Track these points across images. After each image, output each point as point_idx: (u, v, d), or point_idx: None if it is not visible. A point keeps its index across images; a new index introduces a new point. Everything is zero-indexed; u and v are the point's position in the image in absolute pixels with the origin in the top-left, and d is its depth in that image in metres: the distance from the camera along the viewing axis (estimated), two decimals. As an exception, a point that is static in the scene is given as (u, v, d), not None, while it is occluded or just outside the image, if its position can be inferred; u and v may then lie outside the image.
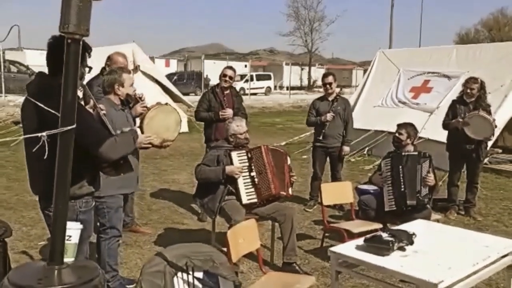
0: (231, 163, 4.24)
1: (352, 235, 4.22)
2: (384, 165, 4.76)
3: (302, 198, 6.68)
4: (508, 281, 3.16)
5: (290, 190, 4.43)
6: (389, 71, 11.21)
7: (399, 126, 4.93)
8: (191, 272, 2.50)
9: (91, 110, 3.25)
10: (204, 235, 5.05)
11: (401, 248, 2.88)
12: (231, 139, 4.40)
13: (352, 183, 5.50)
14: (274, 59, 75.26)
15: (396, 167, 4.65)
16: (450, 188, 6.12)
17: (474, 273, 2.74)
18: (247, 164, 4.29)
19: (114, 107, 3.61)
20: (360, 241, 2.96)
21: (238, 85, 31.27)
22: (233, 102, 5.68)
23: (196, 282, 2.50)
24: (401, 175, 4.59)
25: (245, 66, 39.56)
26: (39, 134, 1.90)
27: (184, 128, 13.69)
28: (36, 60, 21.35)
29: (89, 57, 2.66)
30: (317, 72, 41.70)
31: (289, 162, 4.51)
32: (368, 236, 2.96)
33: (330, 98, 6.19)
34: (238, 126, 4.40)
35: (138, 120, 4.03)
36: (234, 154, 4.28)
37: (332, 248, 2.99)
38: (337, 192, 5.05)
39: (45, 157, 1.99)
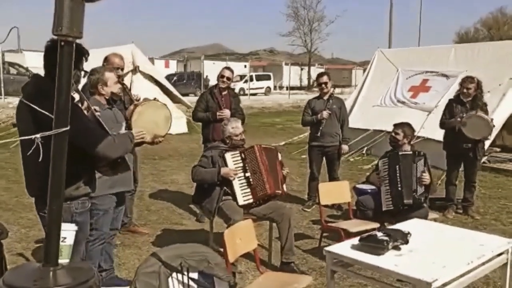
0: (226, 165, 4.25)
1: (349, 235, 4.22)
2: (381, 165, 4.79)
3: (301, 198, 6.70)
4: (503, 279, 3.17)
5: (284, 186, 4.46)
6: (388, 71, 11.21)
7: (396, 126, 4.96)
8: (186, 273, 2.50)
9: (85, 112, 3.25)
10: (202, 235, 5.05)
11: (396, 247, 2.88)
12: (227, 141, 4.43)
13: (351, 183, 5.50)
14: (274, 59, 75.36)
15: (393, 167, 4.66)
16: (448, 187, 6.12)
17: (469, 271, 2.74)
18: (241, 164, 4.30)
19: (101, 106, 3.56)
20: (356, 240, 2.97)
21: (238, 86, 31.31)
22: (231, 103, 5.69)
23: (191, 283, 2.51)
24: (398, 174, 4.61)
25: (245, 66, 39.53)
26: (33, 136, 1.91)
27: (184, 128, 13.73)
28: (36, 62, 21.16)
29: (86, 61, 2.67)
30: (317, 72, 41.57)
31: (280, 158, 4.54)
32: (363, 235, 2.97)
33: (325, 97, 6.21)
34: (234, 128, 4.42)
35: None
36: (228, 156, 4.29)
37: (327, 248, 3.00)
38: (335, 192, 5.07)
39: (40, 159, 2.00)
